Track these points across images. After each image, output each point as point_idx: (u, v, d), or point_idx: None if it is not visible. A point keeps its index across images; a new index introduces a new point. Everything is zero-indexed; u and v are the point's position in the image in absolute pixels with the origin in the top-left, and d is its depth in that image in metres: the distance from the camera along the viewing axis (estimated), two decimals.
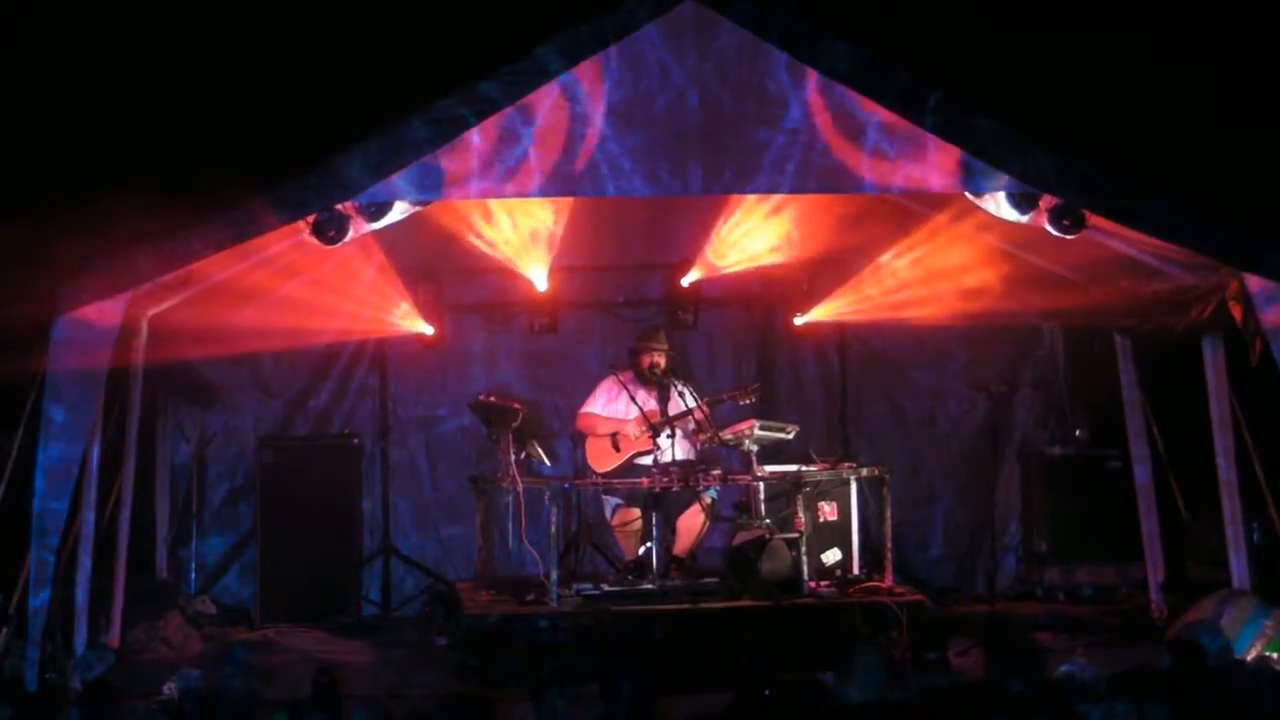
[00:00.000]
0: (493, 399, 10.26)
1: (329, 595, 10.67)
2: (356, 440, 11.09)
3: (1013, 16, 10.74)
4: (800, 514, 9.73)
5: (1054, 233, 8.75)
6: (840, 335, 11.59)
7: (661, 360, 10.25)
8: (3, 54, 10.22)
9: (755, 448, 9.90)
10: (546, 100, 8.42)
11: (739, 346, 11.66)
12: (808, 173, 8.54)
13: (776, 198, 9.86)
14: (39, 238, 8.40)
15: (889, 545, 9.93)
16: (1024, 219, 8.77)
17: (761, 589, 9.37)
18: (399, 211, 8.66)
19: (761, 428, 9.87)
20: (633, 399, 10.05)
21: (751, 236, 10.67)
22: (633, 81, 8.42)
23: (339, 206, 8.48)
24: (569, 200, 9.68)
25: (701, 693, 7.87)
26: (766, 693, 6.49)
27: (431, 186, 8.47)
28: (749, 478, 9.96)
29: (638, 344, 10.41)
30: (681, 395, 10.09)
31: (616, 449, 10.11)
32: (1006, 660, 6.85)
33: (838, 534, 10.14)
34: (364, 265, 10.33)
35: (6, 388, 8.52)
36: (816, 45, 8.38)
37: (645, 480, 9.79)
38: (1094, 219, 8.67)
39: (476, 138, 8.39)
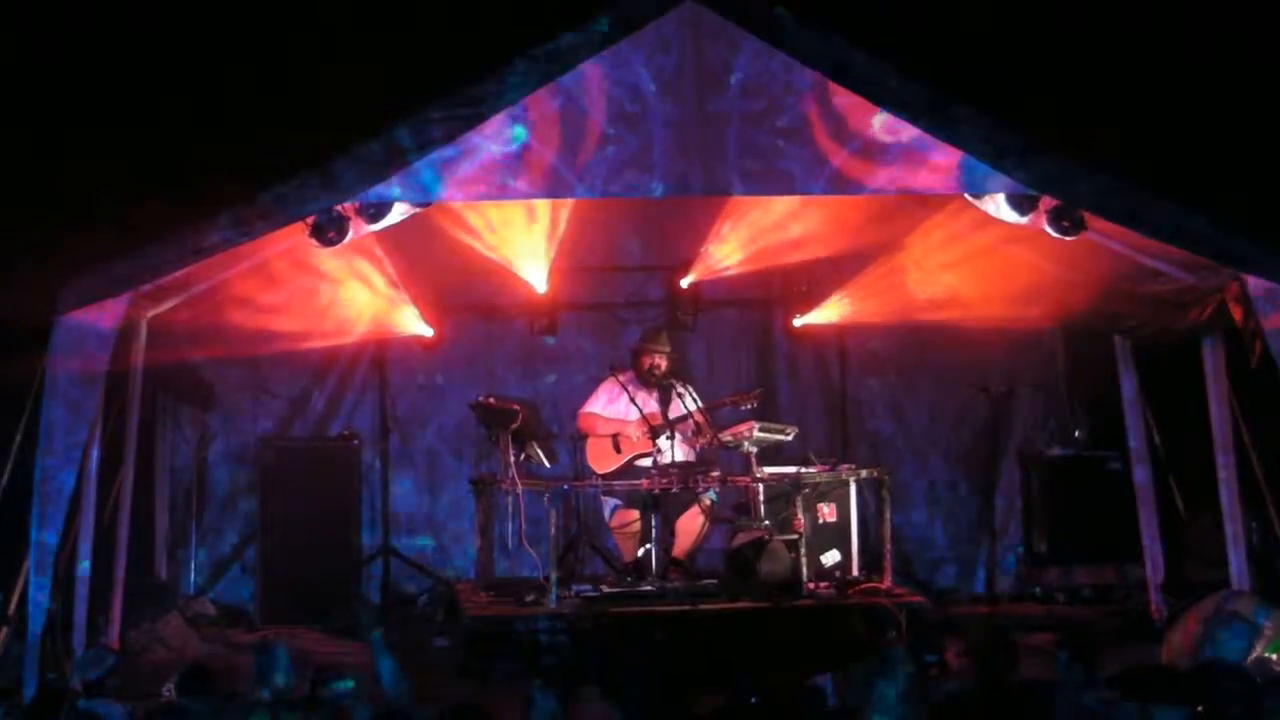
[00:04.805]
0: (492, 400, 10.26)
1: (328, 596, 10.66)
2: (356, 441, 11.10)
3: (1012, 15, 10.72)
4: (799, 515, 9.73)
5: (1054, 234, 8.75)
6: (839, 336, 11.57)
7: (663, 362, 10.26)
8: (2, 54, 10.21)
9: (754, 449, 9.90)
10: (547, 100, 8.41)
11: (738, 348, 11.65)
12: (807, 174, 8.52)
13: (775, 200, 9.85)
14: (39, 238, 8.40)
15: (888, 547, 9.94)
16: (1023, 220, 8.76)
17: (760, 591, 9.36)
18: (398, 213, 8.66)
19: (761, 429, 9.87)
20: (633, 400, 10.06)
21: (750, 238, 10.67)
22: (633, 82, 8.41)
23: (338, 208, 8.48)
24: (569, 201, 9.67)
25: (700, 695, 7.84)
26: (754, 699, 6.42)
27: (430, 188, 8.48)
28: (748, 479, 9.96)
29: (639, 345, 10.43)
30: (681, 398, 10.09)
31: (617, 450, 10.11)
32: (992, 663, 6.75)
33: (837, 535, 10.15)
34: (363, 266, 10.33)
35: (6, 388, 8.52)
36: (808, 42, 8.37)
37: (645, 481, 9.79)
38: (1093, 220, 8.67)
39: (476, 138, 8.39)
